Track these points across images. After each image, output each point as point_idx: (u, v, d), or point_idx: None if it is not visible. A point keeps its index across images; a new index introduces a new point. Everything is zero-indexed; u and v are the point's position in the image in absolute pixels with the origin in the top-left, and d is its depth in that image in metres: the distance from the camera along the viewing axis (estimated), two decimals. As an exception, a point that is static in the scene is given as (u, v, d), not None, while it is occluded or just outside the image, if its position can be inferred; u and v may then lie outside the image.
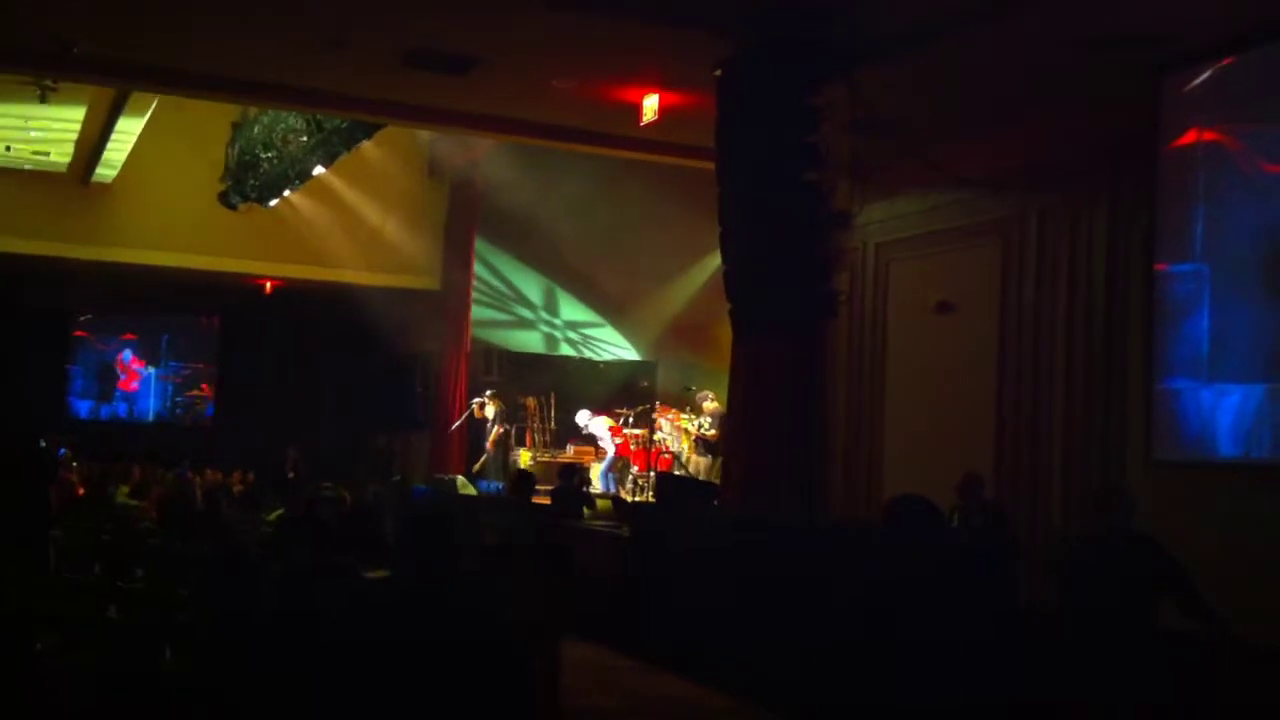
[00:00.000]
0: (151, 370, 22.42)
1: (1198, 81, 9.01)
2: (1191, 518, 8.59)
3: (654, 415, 16.67)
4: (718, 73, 10.05)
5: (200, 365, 22.56)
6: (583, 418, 16.83)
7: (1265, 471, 8.59)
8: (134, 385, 22.28)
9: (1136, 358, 9.58)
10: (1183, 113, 9.11)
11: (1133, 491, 6.12)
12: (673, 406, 16.98)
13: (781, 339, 9.97)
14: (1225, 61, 8.82)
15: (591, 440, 16.96)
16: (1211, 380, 8.81)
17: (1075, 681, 5.14)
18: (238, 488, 13.20)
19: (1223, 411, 8.74)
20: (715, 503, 10.84)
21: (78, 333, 22.29)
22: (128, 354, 22.29)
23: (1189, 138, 9.11)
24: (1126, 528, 5.70)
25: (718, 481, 12.03)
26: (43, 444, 12.80)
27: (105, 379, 22.19)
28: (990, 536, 7.71)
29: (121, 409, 22.19)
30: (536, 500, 14.60)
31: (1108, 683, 5.26)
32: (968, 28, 9.20)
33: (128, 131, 16.78)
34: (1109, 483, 8.44)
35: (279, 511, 9.52)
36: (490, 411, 17.84)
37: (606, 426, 16.52)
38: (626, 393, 17.55)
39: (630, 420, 16.66)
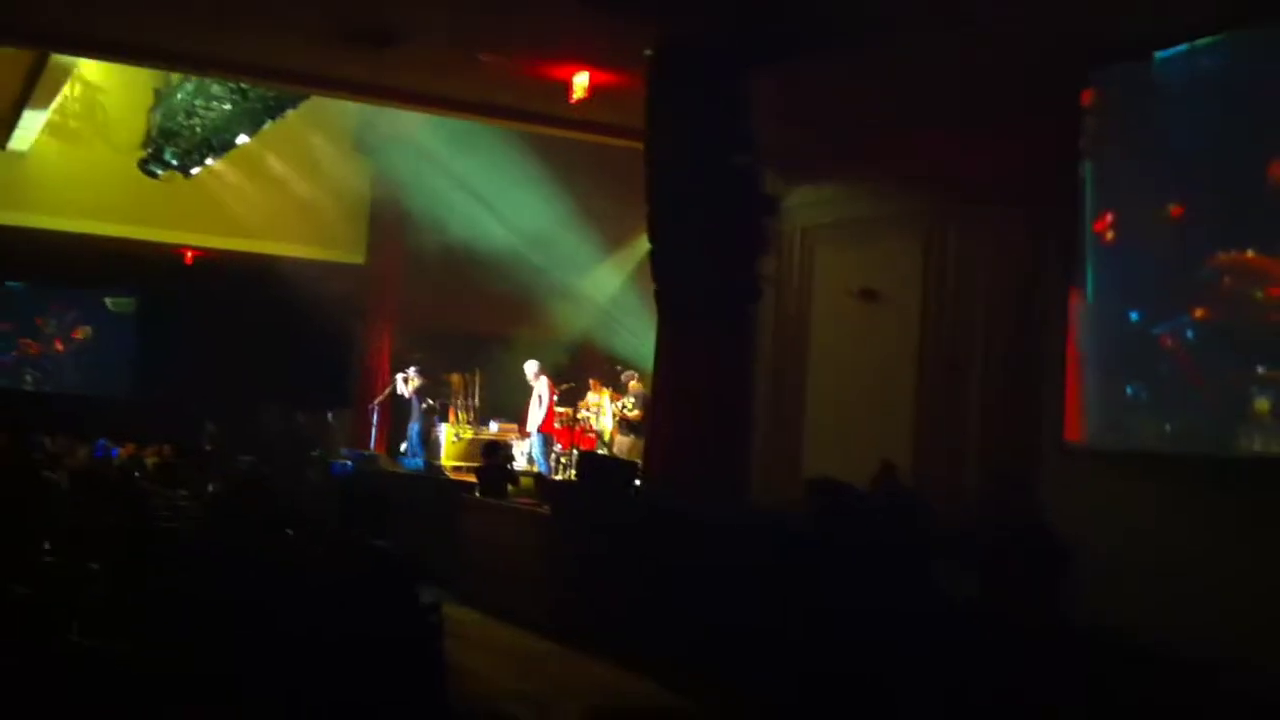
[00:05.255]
0: (68, 339, 21.93)
1: (1105, 88, 9.23)
2: (1099, 505, 8.81)
3: (587, 391, 16.70)
4: (649, 53, 10.03)
5: (115, 336, 22.08)
6: (531, 368, 16.65)
7: (1141, 459, 8.89)
8: (62, 347, 21.74)
9: (1053, 348, 9.76)
10: (1093, 117, 9.33)
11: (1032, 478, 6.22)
12: (604, 384, 16.99)
13: (706, 322, 10.00)
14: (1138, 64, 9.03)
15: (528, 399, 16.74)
16: (1102, 372, 9.09)
17: (985, 669, 5.22)
18: (152, 460, 12.98)
19: (1104, 401, 9.04)
20: (637, 483, 10.86)
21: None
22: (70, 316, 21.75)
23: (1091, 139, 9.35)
24: (1022, 514, 5.80)
25: (640, 461, 12.06)
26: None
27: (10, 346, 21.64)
28: (906, 522, 7.80)
29: (30, 378, 21.68)
30: (459, 478, 14.66)
31: (1014, 673, 5.34)
32: (901, 27, 9.29)
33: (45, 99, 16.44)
34: (1002, 470, 8.62)
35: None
36: (414, 387, 17.75)
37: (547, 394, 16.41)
38: (551, 370, 17.45)
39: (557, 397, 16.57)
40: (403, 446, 17.62)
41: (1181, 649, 5.03)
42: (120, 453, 13.78)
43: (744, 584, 7.22)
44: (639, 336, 15.43)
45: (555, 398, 16.45)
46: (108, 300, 21.86)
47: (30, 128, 17.57)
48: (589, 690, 8.31)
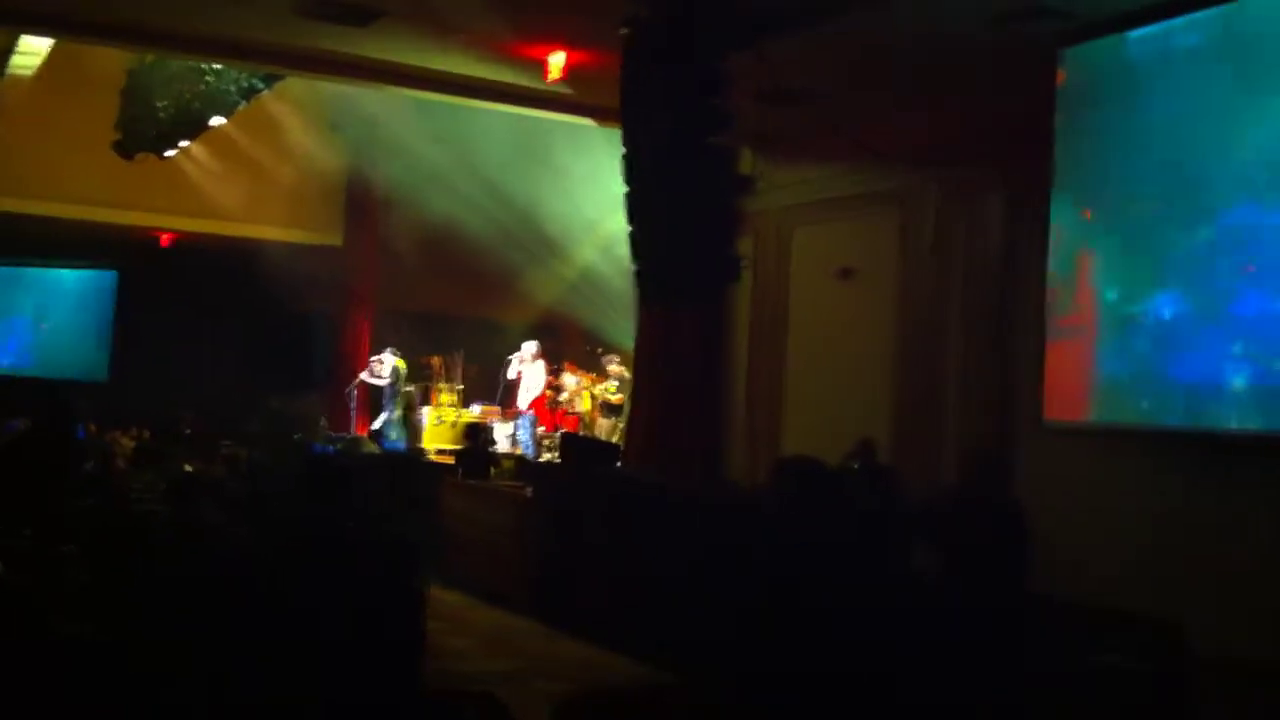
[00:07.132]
0: (43, 323, 21.78)
1: (1077, 68, 9.25)
2: (1078, 482, 8.85)
3: (561, 373, 16.66)
4: (624, 31, 9.98)
5: (91, 319, 21.90)
6: (529, 348, 16.52)
7: (1119, 436, 8.93)
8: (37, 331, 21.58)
9: (1030, 324, 9.79)
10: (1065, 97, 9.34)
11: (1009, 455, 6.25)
12: (580, 367, 16.95)
13: (685, 303, 9.99)
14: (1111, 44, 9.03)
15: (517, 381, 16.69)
16: (1080, 350, 9.12)
17: (959, 645, 5.25)
18: (129, 443, 12.90)
19: (1082, 379, 9.07)
20: (618, 465, 10.87)
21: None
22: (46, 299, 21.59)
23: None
24: (992, 491, 5.83)
25: (620, 443, 12.07)
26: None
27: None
28: (882, 500, 7.83)
29: (5, 361, 21.51)
30: (441, 460, 14.63)
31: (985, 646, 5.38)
32: (874, 3, 9.28)
33: (16, 78, 16.24)
34: (977, 448, 8.63)
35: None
36: (384, 370, 17.69)
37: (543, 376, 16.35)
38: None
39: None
40: (374, 425, 17.56)
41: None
42: (108, 439, 13.70)
43: (719, 560, 7.23)
44: (618, 316, 15.41)
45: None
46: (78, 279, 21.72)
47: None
48: (569, 669, 8.32)
